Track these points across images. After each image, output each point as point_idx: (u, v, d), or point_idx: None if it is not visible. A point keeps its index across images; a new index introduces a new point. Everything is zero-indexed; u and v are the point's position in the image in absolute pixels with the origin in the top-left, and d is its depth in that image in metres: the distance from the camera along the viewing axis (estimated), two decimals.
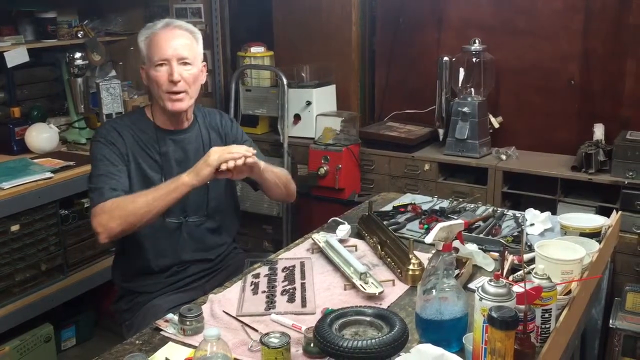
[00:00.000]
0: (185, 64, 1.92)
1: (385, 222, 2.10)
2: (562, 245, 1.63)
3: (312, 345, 1.38)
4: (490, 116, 3.22)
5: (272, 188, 2.07)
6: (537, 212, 2.14)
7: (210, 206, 2.05)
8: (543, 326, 1.37)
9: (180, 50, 1.90)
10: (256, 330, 1.51)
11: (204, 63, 2.02)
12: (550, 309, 1.37)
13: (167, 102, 1.92)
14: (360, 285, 1.68)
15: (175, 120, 2.00)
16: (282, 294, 1.71)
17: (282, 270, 1.86)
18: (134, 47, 3.59)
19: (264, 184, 2.04)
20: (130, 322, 1.97)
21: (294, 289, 1.73)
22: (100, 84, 2.94)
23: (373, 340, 1.26)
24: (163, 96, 1.92)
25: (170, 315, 1.58)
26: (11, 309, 2.56)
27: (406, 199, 2.47)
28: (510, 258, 1.73)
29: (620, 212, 2.06)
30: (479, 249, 1.88)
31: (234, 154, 1.80)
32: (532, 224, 2.09)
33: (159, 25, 1.94)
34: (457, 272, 1.66)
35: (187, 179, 1.80)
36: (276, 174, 2.07)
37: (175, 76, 1.89)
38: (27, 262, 2.62)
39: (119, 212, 1.78)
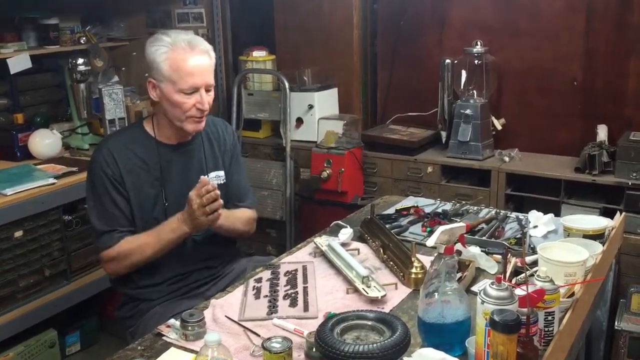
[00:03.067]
0: (210, 89, 1.90)
1: (387, 225, 2.09)
2: (565, 248, 1.63)
3: (314, 349, 1.38)
4: (493, 118, 3.21)
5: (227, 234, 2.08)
6: (540, 214, 2.13)
7: None
8: (546, 329, 1.37)
9: (207, 78, 1.87)
10: (258, 335, 1.51)
11: None
12: (553, 311, 1.36)
13: (189, 124, 1.90)
14: (363, 289, 1.68)
15: (182, 134, 1.97)
16: (284, 298, 1.70)
17: (285, 275, 1.85)
18: (137, 52, 3.58)
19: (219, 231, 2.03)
20: (134, 328, 1.96)
21: (296, 293, 1.73)
22: (103, 89, 2.95)
23: (374, 345, 1.26)
24: (184, 119, 1.89)
25: (172, 321, 1.58)
26: (15, 315, 2.56)
27: (409, 201, 2.46)
28: (513, 260, 1.72)
29: (624, 214, 2.05)
30: (482, 251, 1.87)
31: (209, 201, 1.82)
32: (535, 226, 2.08)
33: (179, 42, 1.83)
34: (459, 275, 1.66)
35: (188, 230, 1.87)
36: (235, 220, 2.06)
37: (205, 106, 1.87)
38: (30, 268, 2.63)
39: (128, 262, 1.91)
